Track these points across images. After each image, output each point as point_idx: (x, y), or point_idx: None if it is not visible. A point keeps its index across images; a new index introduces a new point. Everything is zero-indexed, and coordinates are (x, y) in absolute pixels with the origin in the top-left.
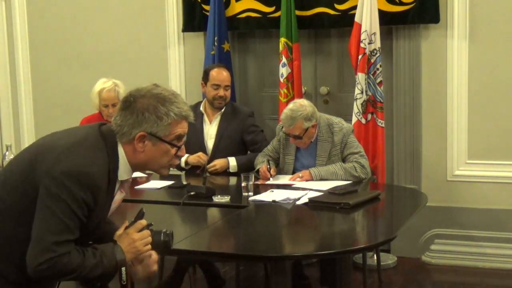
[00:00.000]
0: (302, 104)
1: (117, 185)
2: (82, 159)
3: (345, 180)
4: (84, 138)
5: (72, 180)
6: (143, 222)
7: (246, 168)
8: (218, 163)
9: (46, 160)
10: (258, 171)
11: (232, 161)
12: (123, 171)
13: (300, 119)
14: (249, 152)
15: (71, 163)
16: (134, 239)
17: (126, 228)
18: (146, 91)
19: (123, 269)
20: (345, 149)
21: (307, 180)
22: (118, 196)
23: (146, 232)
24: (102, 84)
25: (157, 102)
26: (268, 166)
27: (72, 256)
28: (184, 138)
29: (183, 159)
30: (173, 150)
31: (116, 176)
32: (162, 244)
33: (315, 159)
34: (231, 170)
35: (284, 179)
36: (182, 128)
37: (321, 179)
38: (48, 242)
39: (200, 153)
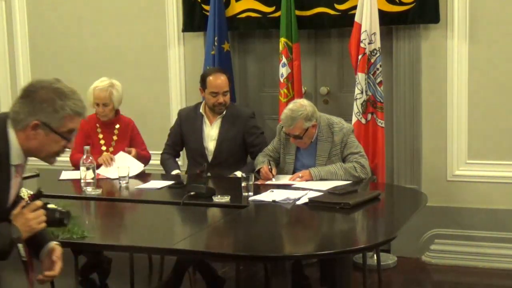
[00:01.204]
0: (302, 104)
1: (12, 170)
2: None
3: (345, 180)
4: None
5: None
6: (38, 203)
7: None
8: None
9: None
10: (258, 171)
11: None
12: (16, 156)
13: (300, 119)
14: (249, 154)
15: None
16: (28, 219)
17: (23, 207)
18: (48, 84)
19: (20, 246)
20: (345, 149)
21: (307, 180)
22: (14, 181)
23: (40, 212)
24: (99, 82)
25: (55, 95)
26: (269, 167)
27: None
28: (75, 133)
29: None
30: (63, 142)
31: (8, 161)
32: (57, 221)
33: (315, 159)
34: None
35: (284, 179)
36: (75, 123)
37: (321, 179)
38: None
39: None
